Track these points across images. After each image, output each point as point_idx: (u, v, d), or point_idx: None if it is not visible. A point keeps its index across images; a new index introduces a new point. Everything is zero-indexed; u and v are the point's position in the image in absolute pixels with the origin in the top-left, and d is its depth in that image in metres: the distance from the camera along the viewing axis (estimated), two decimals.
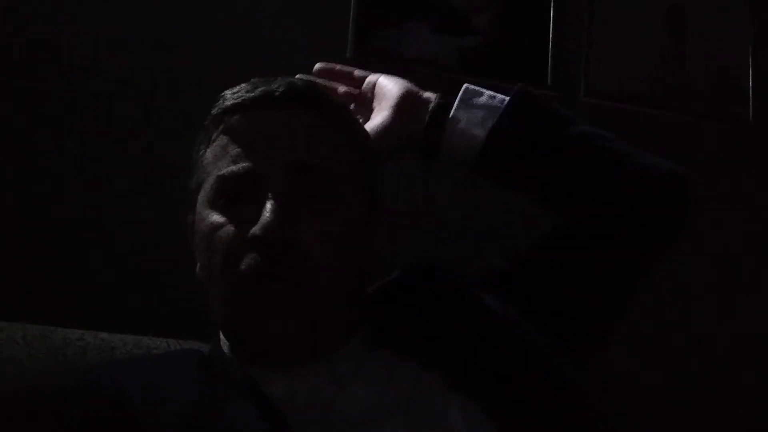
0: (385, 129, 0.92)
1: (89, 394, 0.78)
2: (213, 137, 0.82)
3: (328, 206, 0.78)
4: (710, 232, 1.67)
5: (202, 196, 0.81)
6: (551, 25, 1.60)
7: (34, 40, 1.29)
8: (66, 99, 1.29)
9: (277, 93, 0.81)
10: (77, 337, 0.95)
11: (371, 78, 0.99)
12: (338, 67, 1.03)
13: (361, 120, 0.94)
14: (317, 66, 1.02)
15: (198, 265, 0.83)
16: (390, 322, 0.83)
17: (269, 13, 1.42)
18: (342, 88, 1.00)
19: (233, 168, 0.78)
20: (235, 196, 0.78)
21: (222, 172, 0.79)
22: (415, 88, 0.95)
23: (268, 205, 0.74)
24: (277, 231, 0.73)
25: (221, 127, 0.82)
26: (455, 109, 0.91)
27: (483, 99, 0.92)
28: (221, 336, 0.84)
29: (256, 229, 0.74)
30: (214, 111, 0.83)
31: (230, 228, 0.76)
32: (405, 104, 0.93)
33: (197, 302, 0.85)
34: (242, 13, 1.40)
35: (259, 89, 0.81)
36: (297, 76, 0.94)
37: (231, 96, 0.83)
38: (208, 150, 0.83)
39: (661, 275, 1.60)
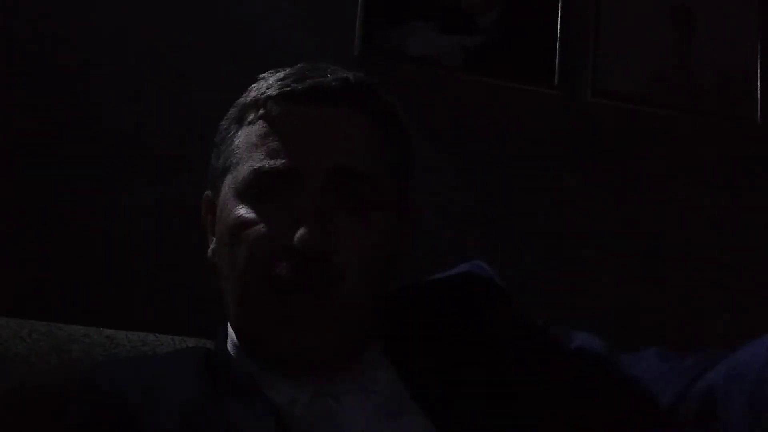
0: None
1: (89, 397, 0.77)
2: (249, 119, 0.77)
3: (363, 215, 0.75)
4: (718, 232, 1.66)
5: (231, 184, 0.77)
6: (558, 24, 1.60)
7: (34, 40, 1.29)
8: (68, 98, 1.29)
9: (328, 89, 0.76)
10: (82, 334, 0.94)
11: None
12: None
13: None
14: None
15: (210, 248, 0.80)
16: (410, 333, 0.80)
17: (275, 11, 1.42)
18: None
19: (271, 163, 0.74)
20: (267, 191, 0.74)
21: (258, 165, 0.74)
22: None
23: (306, 214, 0.71)
24: (314, 243, 0.70)
25: (261, 112, 0.76)
26: None
27: None
28: (229, 332, 0.82)
29: (295, 241, 0.70)
30: (254, 93, 0.78)
31: (261, 228, 0.73)
32: None
33: (203, 299, 0.85)
34: (248, 11, 1.40)
35: (309, 81, 0.76)
36: None
37: (276, 82, 0.77)
38: (240, 132, 0.78)
39: (667, 276, 1.61)
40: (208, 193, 0.82)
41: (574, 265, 1.55)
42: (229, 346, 0.82)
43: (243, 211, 0.75)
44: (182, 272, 1.24)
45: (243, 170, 0.76)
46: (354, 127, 0.77)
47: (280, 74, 0.78)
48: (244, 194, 0.75)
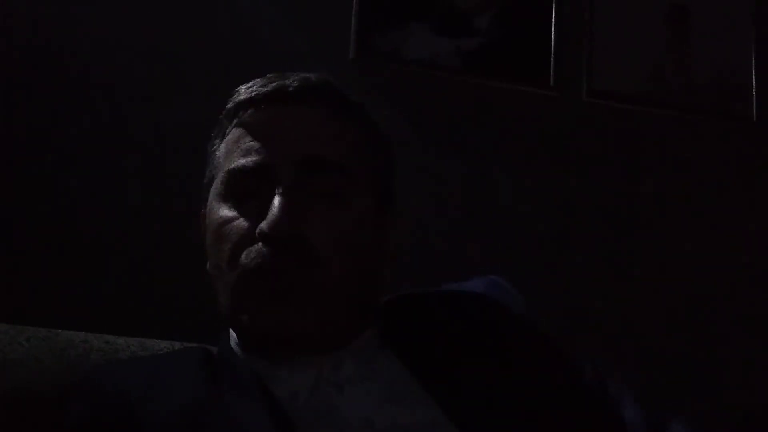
0: None
1: (91, 397, 0.78)
2: (227, 131, 0.82)
3: (337, 202, 0.78)
4: (714, 231, 1.66)
5: (214, 190, 0.81)
6: (553, 25, 1.60)
7: (34, 45, 1.29)
8: (68, 101, 1.29)
9: (290, 88, 0.80)
10: (81, 340, 0.94)
11: None
12: None
13: None
14: None
15: (209, 262, 0.82)
16: (416, 331, 0.82)
17: (270, 15, 1.42)
18: None
19: (244, 161, 0.78)
20: (245, 190, 0.78)
21: (232, 166, 0.79)
22: None
23: (276, 201, 0.74)
24: (284, 226, 0.73)
25: (235, 122, 0.82)
26: None
27: None
28: (230, 332, 0.83)
29: (263, 225, 0.74)
30: (228, 105, 0.83)
31: (240, 222, 0.77)
32: None
33: (202, 305, 0.85)
34: (243, 16, 1.41)
35: (273, 84, 0.81)
36: None
37: (245, 90, 0.82)
38: (221, 144, 0.83)
39: (663, 274, 1.61)
40: (204, 210, 0.85)
41: (570, 265, 1.56)
42: (232, 345, 0.83)
43: (224, 211, 0.78)
44: (182, 277, 1.24)
45: (222, 174, 0.80)
46: (319, 120, 0.81)
47: (250, 83, 0.83)
48: (224, 196, 0.79)
